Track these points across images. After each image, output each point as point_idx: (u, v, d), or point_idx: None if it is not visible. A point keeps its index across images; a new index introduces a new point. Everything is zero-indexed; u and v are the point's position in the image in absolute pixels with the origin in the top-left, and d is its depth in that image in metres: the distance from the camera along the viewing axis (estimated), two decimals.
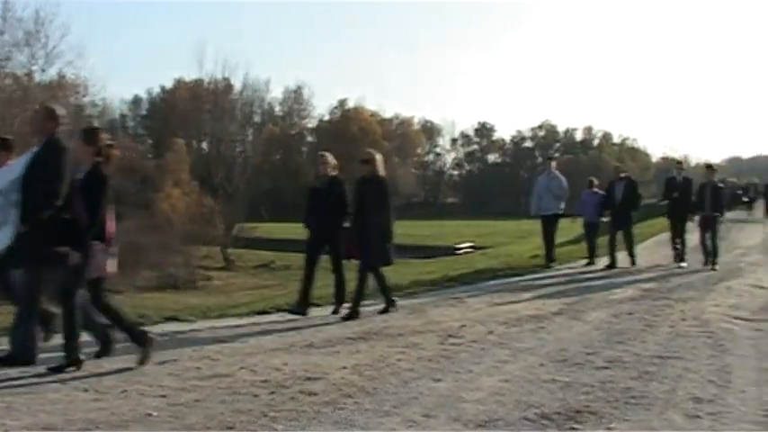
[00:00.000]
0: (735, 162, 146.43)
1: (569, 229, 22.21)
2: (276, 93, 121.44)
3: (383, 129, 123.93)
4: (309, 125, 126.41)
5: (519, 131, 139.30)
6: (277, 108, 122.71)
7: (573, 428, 6.57)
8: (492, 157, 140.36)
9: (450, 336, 10.68)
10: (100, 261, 8.55)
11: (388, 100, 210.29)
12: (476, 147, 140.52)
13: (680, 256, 20.47)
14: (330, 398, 7.37)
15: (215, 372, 8.42)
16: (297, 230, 14.30)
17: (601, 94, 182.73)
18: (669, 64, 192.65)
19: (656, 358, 9.31)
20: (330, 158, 13.17)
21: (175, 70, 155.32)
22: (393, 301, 13.10)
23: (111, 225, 8.85)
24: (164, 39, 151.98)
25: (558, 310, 13.12)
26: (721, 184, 21.67)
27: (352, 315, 12.27)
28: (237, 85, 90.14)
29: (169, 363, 8.85)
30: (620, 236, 20.25)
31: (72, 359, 8.33)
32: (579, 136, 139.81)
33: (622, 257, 20.23)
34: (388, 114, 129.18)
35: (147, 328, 11.64)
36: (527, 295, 15.12)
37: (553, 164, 22.24)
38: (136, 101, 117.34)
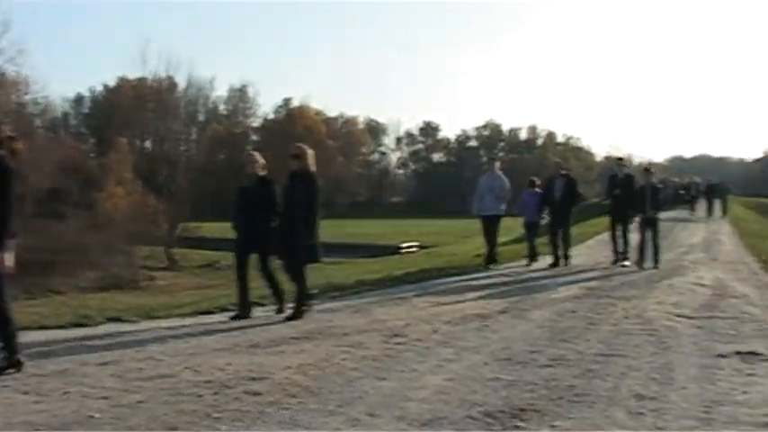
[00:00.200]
0: (677, 161, 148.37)
1: (512, 228, 22.19)
2: (221, 91, 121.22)
3: (328, 128, 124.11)
4: (254, 124, 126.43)
5: (464, 131, 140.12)
6: (221, 107, 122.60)
7: (517, 427, 6.59)
8: (437, 157, 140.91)
9: (394, 335, 10.67)
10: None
11: (333, 99, 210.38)
12: (421, 146, 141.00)
13: (623, 255, 20.51)
14: (274, 398, 7.33)
15: (158, 372, 8.34)
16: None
17: (545, 93, 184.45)
18: (613, 65, 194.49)
19: (599, 356, 9.37)
20: (258, 157, 12.93)
21: (119, 68, 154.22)
22: (304, 305, 12.53)
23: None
24: (107, 37, 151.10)
25: (502, 308, 13.14)
26: (660, 185, 21.72)
27: (297, 315, 12.20)
28: (181, 83, 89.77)
29: (112, 364, 8.76)
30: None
31: (11, 361, 8.21)
32: (523, 135, 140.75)
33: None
34: (332, 113, 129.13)
35: (90, 329, 11.64)
36: (471, 294, 15.13)
37: (497, 164, 22.00)
38: (78, 99, 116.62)
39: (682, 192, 52.42)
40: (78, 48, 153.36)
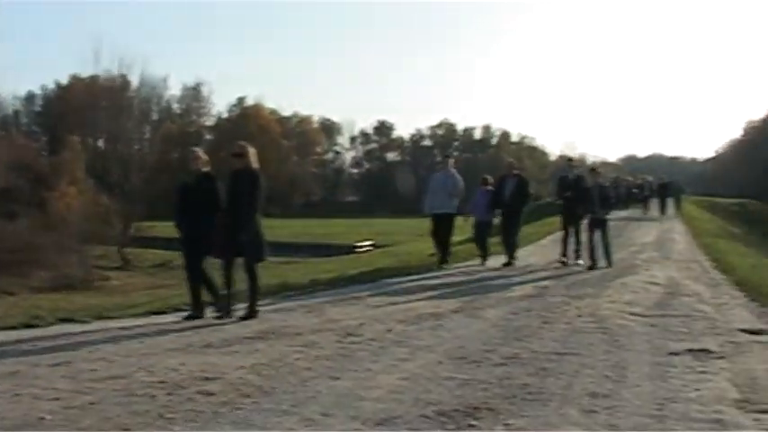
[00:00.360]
0: (630, 161, 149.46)
1: (464, 228, 22.12)
2: (174, 90, 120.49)
3: (282, 127, 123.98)
4: (208, 123, 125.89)
5: (418, 130, 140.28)
6: (175, 106, 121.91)
7: (471, 425, 6.60)
8: (391, 156, 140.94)
9: (348, 334, 10.66)
10: None
11: (288, 98, 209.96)
12: (375, 145, 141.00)
13: (576, 254, 20.53)
14: (228, 398, 7.30)
15: (111, 373, 8.26)
16: None
17: (500, 93, 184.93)
18: (567, 65, 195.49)
19: (552, 355, 9.40)
20: (201, 154, 12.81)
21: (71, 67, 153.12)
22: (228, 309, 12.25)
23: None
24: (59, 35, 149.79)
25: (456, 307, 13.16)
26: (608, 184, 21.68)
27: (251, 314, 12.12)
28: (135, 82, 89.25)
29: (63, 365, 8.67)
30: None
31: None
32: (478, 135, 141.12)
33: (520, 255, 20.45)
34: (287, 113, 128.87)
35: (41, 330, 11.55)
36: (426, 293, 15.13)
37: (451, 161, 21.88)
38: (30, 97, 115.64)
39: (635, 191, 52.67)
40: (30, 46, 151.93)
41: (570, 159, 23.91)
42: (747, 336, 10.94)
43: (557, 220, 22.66)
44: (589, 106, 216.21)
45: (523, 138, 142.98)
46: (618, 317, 12.34)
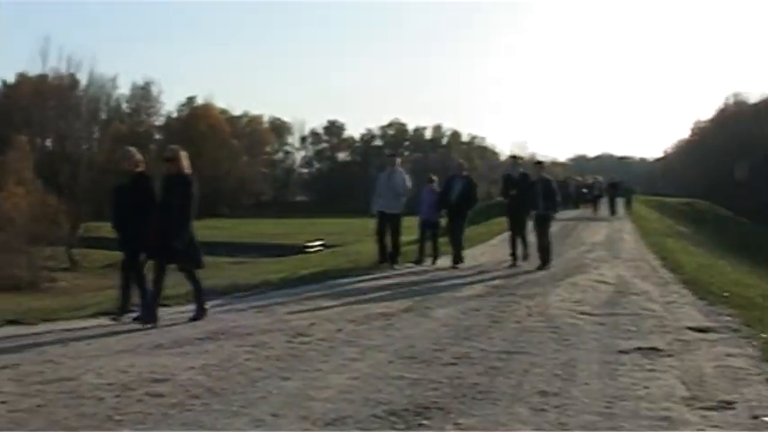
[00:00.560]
0: (580, 161, 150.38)
1: (412, 227, 22.01)
2: (123, 90, 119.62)
3: (232, 127, 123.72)
4: (157, 123, 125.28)
5: (369, 130, 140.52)
6: (124, 105, 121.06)
7: (421, 425, 6.60)
8: (342, 156, 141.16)
9: (298, 334, 10.62)
10: None
11: (238, 98, 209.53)
12: (325, 145, 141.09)
13: (523, 254, 20.42)
14: (178, 399, 7.25)
15: (59, 375, 8.18)
16: None
17: (450, 93, 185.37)
18: (518, 64, 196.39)
19: (502, 354, 9.43)
20: (135, 154, 12.44)
21: (18, 65, 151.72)
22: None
23: None
24: (5, 33, 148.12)
25: (406, 307, 13.17)
26: (550, 177, 21.42)
27: (199, 315, 12.04)
28: (83, 81, 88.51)
29: (10, 367, 8.57)
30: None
31: None
32: (429, 135, 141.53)
33: (470, 254, 20.48)
34: (237, 112, 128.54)
35: None
36: (376, 293, 15.12)
37: (397, 161, 21.44)
38: None
39: (584, 191, 52.93)
40: None
41: (515, 157, 23.66)
42: (695, 334, 11.04)
43: (504, 219, 22.64)
44: (539, 106, 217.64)
45: (474, 138, 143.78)
46: (567, 316, 12.41)
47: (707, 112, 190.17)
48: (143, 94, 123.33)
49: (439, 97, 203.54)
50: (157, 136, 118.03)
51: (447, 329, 11.22)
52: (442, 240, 21.04)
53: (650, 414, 6.97)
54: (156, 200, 11.95)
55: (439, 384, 7.85)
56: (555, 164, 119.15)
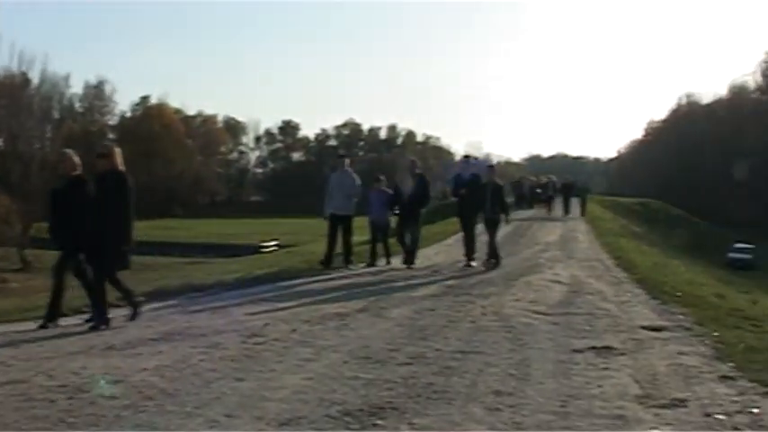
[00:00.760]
0: (535, 161, 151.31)
1: (364, 228, 21.90)
2: (77, 89, 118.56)
3: (186, 126, 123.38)
4: (111, 122, 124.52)
5: (323, 130, 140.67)
6: (77, 104, 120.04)
7: (375, 425, 6.59)
8: (296, 156, 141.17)
9: (253, 335, 10.57)
10: None
11: (192, 97, 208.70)
12: (280, 145, 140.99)
13: (470, 255, 20.22)
14: (131, 401, 7.19)
15: (9, 378, 8.10)
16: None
17: (405, 93, 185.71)
18: (472, 64, 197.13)
19: (457, 353, 9.43)
20: (72, 156, 12.30)
21: None
22: (106, 316, 11.82)
23: None
24: None
25: (361, 307, 13.15)
26: (501, 182, 21.32)
27: (135, 315, 11.95)
28: (35, 79, 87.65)
29: None
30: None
31: None
32: (383, 134, 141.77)
33: (425, 254, 20.47)
34: (191, 112, 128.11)
35: None
36: (330, 294, 15.11)
37: (347, 161, 21.19)
38: None
39: (538, 191, 53.08)
40: None
41: (467, 157, 23.51)
42: (648, 333, 11.10)
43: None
44: (494, 106, 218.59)
45: (428, 138, 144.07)
46: (522, 315, 12.43)
47: (660, 112, 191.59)
48: (96, 93, 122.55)
49: (394, 97, 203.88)
50: (111, 135, 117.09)
51: (402, 329, 11.20)
52: (392, 240, 20.89)
53: (604, 412, 6.99)
54: (91, 203, 11.73)
55: (394, 384, 7.84)
56: (509, 164, 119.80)
